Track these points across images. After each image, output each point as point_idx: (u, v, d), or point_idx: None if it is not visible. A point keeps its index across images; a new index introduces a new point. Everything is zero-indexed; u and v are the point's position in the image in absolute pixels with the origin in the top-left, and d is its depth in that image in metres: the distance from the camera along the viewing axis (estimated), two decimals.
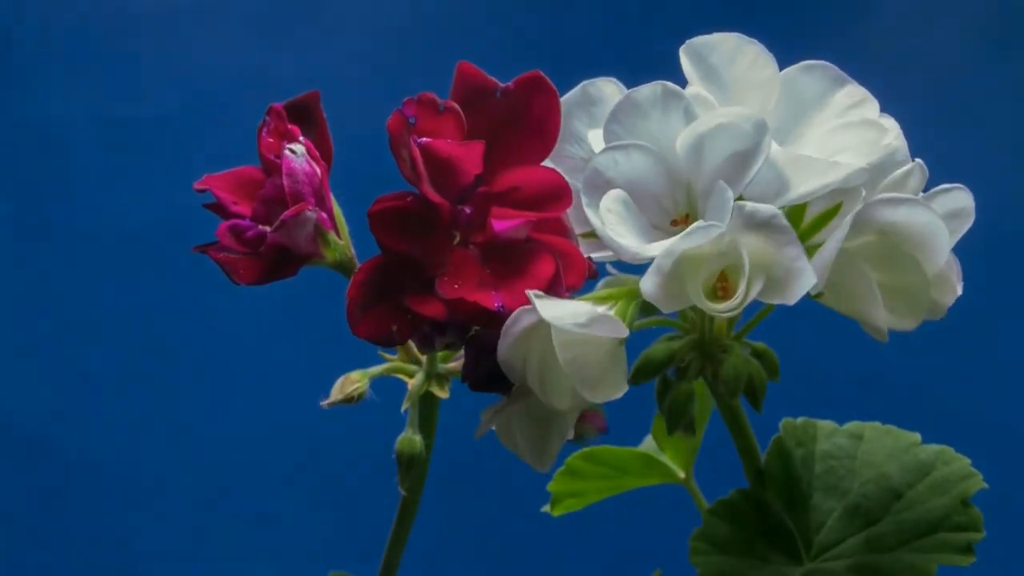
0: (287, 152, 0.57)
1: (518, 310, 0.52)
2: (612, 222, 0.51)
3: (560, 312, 0.51)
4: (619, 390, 0.53)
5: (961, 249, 0.55)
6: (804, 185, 0.52)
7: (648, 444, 0.72)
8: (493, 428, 0.59)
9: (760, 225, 0.49)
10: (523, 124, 0.57)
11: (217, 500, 1.35)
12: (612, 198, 0.51)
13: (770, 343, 0.55)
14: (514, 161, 0.57)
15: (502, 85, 0.57)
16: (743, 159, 0.51)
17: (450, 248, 0.55)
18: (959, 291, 0.55)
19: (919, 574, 0.59)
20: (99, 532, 1.34)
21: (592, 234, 0.53)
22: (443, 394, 0.61)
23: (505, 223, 0.55)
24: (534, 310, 0.52)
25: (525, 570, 1.35)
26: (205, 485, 1.35)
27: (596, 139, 0.54)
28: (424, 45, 1.38)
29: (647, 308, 0.54)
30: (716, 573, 0.59)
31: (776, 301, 0.51)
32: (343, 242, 0.59)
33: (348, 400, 0.60)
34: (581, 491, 0.72)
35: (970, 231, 0.55)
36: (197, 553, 1.35)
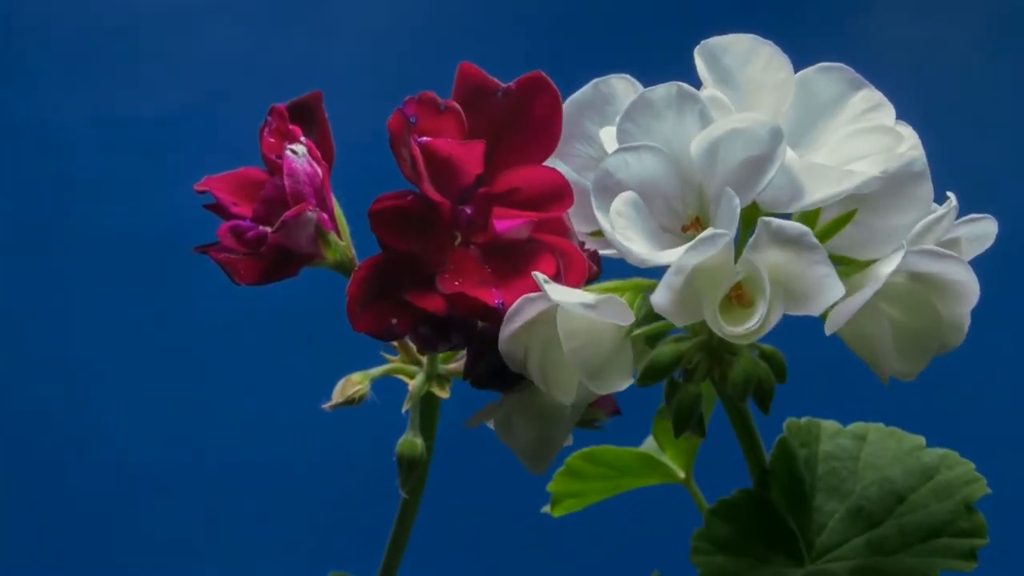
0: (288, 152, 0.57)
1: (521, 298, 0.52)
2: (621, 226, 0.51)
3: (568, 295, 0.51)
4: (624, 381, 0.53)
5: None
6: (818, 192, 0.51)
7: (648, 444, 0.72)
8: (490, 425, 0.59)
9: (788, 242, 0.49)
10: (524, 124, 0.57)
11: (218, 501, 1.35)
12: (622, 201, 0.51)
13: (774, 341, 0.54)
14: (515, 161, 0.56)
15: (503, 85, 0.57)
16: (758, 165, 0.50)
17: (451, 247, 0.55)
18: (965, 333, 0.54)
19: None
20: (100, 532, 1.34)
21: (600, 232, 0.53)
22: (444, 394, 0.61)
23: (507, 223, 0.55)
24: (538, 299, 0.52)
25: (525, 571, 1.35)
26: (206, 486, 1.35)
27: (608, 137, 0.54)
28: (425, 45, 1.38)
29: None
30: (717, 573, 0.59)
31: (799, 313, 0.50)
32: (344, 243, 0.59)
33: (349, 402, 0.60)
34: (581, 491, 0.72)
35: None
36: (198, 553, 1.35)
